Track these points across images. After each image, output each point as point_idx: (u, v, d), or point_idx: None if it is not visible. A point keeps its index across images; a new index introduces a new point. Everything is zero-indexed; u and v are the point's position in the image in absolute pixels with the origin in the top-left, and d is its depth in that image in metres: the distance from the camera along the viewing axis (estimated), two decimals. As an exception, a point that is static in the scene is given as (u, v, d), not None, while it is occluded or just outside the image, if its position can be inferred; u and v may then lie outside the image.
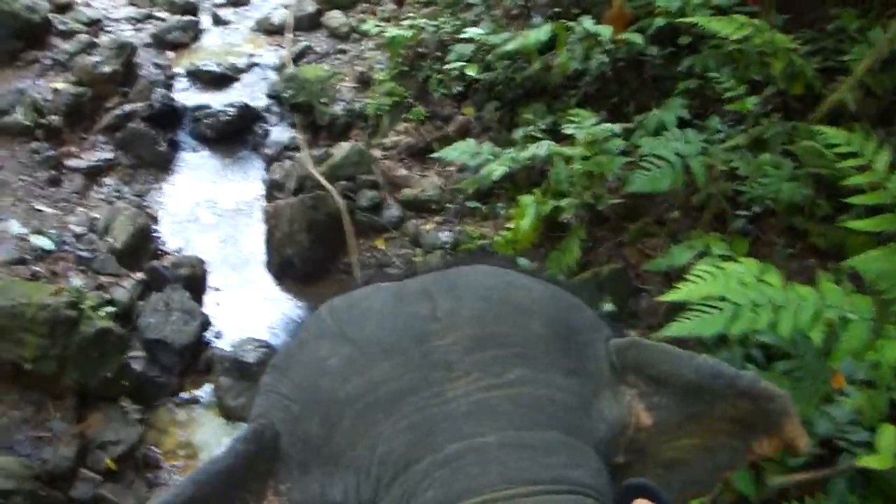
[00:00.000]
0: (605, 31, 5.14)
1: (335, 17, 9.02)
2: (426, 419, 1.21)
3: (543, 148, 4.81)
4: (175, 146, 7.90)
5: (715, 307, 3.03)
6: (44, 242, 6.05)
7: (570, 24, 5.30)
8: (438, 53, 7.17)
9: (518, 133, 5.48)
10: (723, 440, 1.42)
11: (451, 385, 1.22)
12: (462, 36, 6.46)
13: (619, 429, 1.35)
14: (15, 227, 6.16)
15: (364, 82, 7.74)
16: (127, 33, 8.91)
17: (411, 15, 7.85)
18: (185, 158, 7.88)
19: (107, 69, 7.80)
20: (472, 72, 6.33)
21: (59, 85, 7.66)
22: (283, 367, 1.37)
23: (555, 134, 5.41)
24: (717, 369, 1.36)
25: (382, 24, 7.73)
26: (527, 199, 4.93)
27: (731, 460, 1.44)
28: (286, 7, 9.52)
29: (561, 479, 1.17)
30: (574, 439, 1.23)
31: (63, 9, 8.89)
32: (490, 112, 6.56)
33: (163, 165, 7.68)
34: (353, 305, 1.38)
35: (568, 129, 4.83)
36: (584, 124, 4.77)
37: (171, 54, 8.83)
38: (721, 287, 3.18)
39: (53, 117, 7.35)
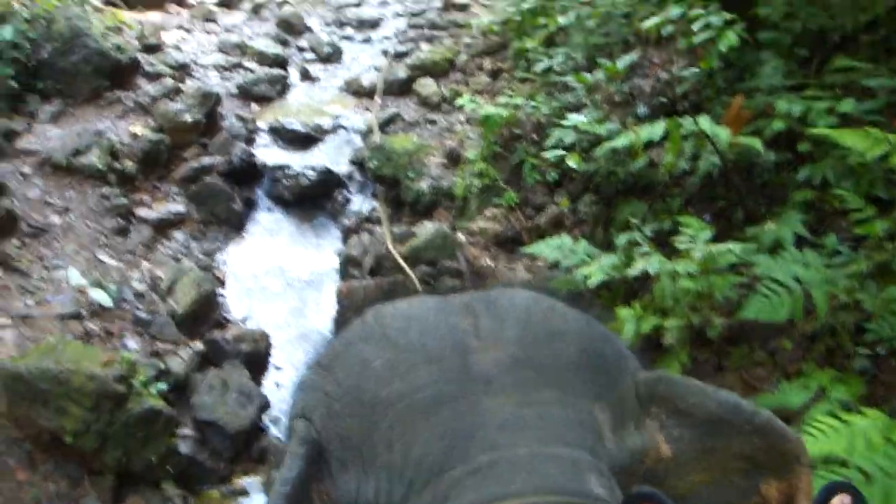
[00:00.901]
0: (724, 133, 4.75)
1: (427, 85, 8.71)
2: (462, 428, 1.27)
3: (653, 265, 4.39)
4: (250, 205, 7.64)
5: (837, 472, 2.83)
6: (102, 297, 5.74)
7: (683, 121, 4.89)
8: (534, 136, 6.80)
9: (620, 239, 5.03)
10: (734, 478, 1.46)
11: (489, 399, 1.29)
12: (563, 122, 6.09)
13: (639, 457, 1.41)
14: (74, 276, 5.87)
15: (453, 159, 7.34)
16: (213, 80, 8.76)
17: (507, 91, 7.49)
18: (259, 219, 7.60)
19: (189, 118, 7.59)
20: (572, 162, 5.94)
21: (139, 130, 7.45)
22: (328, 365, 1.42)
23: (657, 238, 5.06)
24: (739, 404, 1.41)
25: (476, 97, 7.37)
26: (626, 313, 4.60)
27: (737, 498, 1.46)
28: (377, 69, 9.28)
29: (585, 493, 1.24)
30: (597, 460, 1.30)
31: (152, 49, 8.79)
32: (586, 205, 6.16)
33: (235, 224, 7.40)
34: (398, 312, 1.45)
35: (681, 244, 4.41)
36: (698, 237, 4.37)
37: (255, 107, 8.61)
38: (845, 446, 2.98)
39: (128, 163, 7.14)
